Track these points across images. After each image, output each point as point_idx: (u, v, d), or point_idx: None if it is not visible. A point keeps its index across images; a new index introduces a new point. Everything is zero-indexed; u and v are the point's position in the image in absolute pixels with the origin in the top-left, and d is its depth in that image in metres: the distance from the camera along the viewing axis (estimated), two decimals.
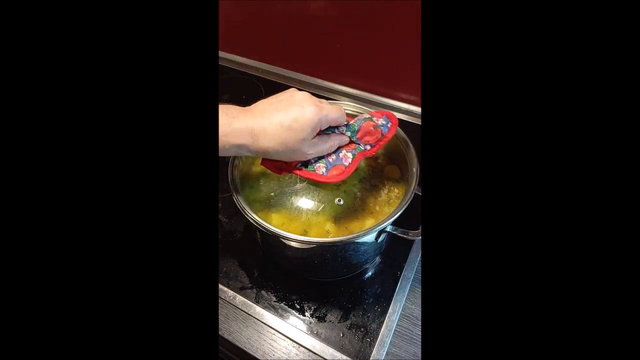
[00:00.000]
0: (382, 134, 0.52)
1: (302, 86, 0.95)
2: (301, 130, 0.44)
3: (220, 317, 0.56)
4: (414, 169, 0.55)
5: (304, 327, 0.55)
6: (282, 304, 0.58)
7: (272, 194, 0.55)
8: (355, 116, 0.53)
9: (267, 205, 0.54)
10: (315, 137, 0.46)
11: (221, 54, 1.05)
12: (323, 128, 0.47)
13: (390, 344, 0.53)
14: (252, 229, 0.66)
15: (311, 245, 0.51)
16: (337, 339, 0.54)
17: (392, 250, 0.63)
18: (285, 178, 0.55)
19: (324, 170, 0.50)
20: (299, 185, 0.54)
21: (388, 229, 0.50)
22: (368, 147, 0.51)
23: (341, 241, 0.48)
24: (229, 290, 0.59)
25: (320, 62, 0.94)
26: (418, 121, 0.86)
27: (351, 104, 0.62)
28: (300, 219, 0.52)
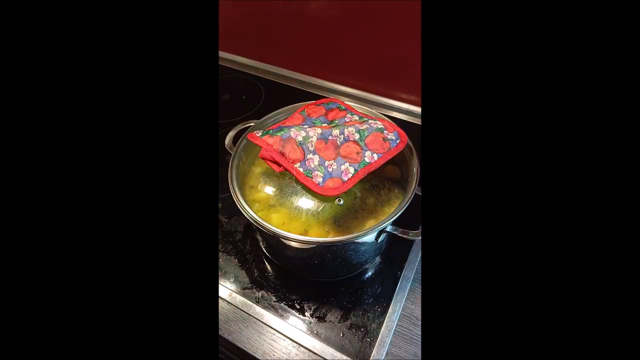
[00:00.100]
0: (389, 148, 0.52)
1: (302, 86, 0.95)
2: None
3: (220, 317, 0.56)
4: (414, 169, 0.55)
5: (304, 327, 0.55)
6: (282, 304, 0.58)
7: (272, 194, 0.55)
8: (367, 117, 0.53)
9: (267, 205, 0.54)
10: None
11: (221, 54, 1.05)
12: None
13: (390, 344, 0.53)
14: (252, 229, 0.66)
15: (311, 245, 0.51)
16: (337, 339, 0.54)
17: (392, 250, 0.63)
18: (286, 178, 0.55)
19: (320, 180, 0.50)
20: (299, 185, 0.54)
21: (388, 229, 0.50)
22: (375, 157, 0.52)
23: (341, 241, 0.48)
24: (229, 290, 0.59)
25: (320, 62, 0.94)
26: (418, 121, 0.86)
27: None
28: (300, 219, 0.52)
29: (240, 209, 0.50)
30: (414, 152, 0.56)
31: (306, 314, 0.57)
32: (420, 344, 0.53)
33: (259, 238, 0.64)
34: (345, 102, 0.63)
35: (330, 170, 0.50)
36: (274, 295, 0.59)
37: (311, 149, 0.52)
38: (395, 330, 0.55)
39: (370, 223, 0.51)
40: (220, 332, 0.55)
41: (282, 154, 0.52)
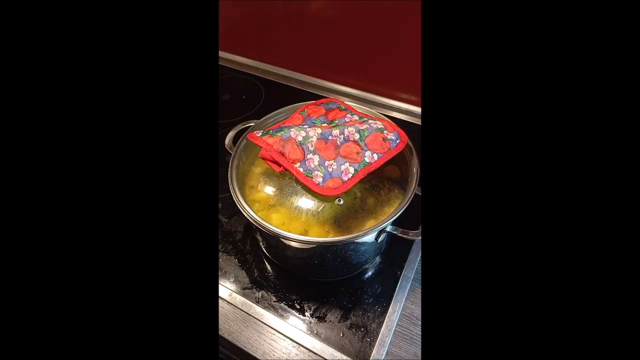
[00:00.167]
0: (389, 148, 0.52)
1: (302, 86, 0.95)
2: None
3: (220, 317, 0.56)
4: (414, 169, 0.55)
5: (304, 327, 0.55)
6: (282, 304, 0.58)
7: (272, 194, 0.55)
8: (367, 117, 0.53)
9: (267, 205, 0.54)
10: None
11: (221, 54, 1.05)
12: None
13: (390, 343, 0.53)
14: (252, 229, 0.66)
15: (311, 245, 0.51)
16: (337, 339, 0.54)
17: (392, 250, 0.63)
18: (286, 178, 0.55)
19: (320, 180, 0.50)
20: (299, 185, 0.54)
21: (388, 229, 0.50)
22: (375, 157, 0.52)
23: (341, 241, 0.48)
24: (229, 290, 0.59)
25: (320, 62, 0.94)
26: (418, 121, 0.86)
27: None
28: (300, 219, 0.52)
29: (240, 209, 0.50)
30: (414, 152, 0.56)
31: (306, 314, 0.57)
32: (420, 344, 0.53)
33: (259, 238, 0.64)
34: (345, 102, 0.63)
35: (330, 170, 0.50)
36: (274, 295, 0.59)
37: (311, 149, 0.52)
38: (395, 330, 0.55)
39: (370, 223, 0.51)
40: (220, 332, 0.55)
41: (282, 154, 0.52)
